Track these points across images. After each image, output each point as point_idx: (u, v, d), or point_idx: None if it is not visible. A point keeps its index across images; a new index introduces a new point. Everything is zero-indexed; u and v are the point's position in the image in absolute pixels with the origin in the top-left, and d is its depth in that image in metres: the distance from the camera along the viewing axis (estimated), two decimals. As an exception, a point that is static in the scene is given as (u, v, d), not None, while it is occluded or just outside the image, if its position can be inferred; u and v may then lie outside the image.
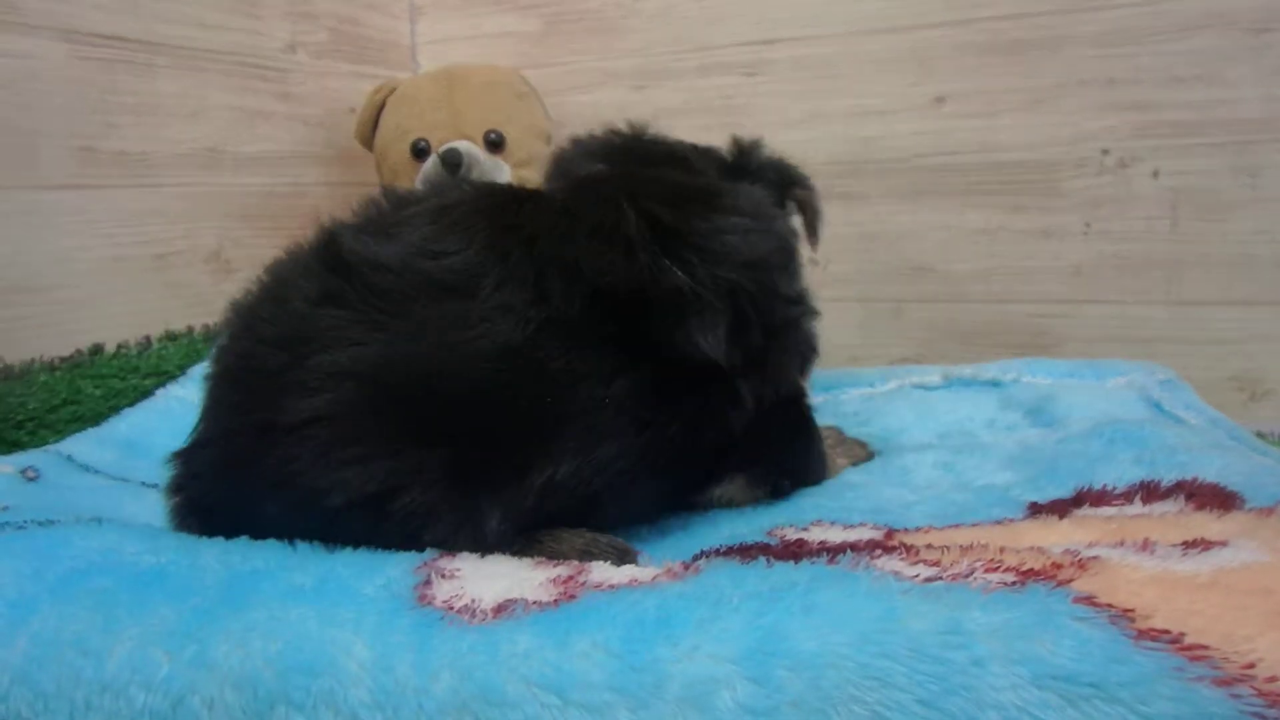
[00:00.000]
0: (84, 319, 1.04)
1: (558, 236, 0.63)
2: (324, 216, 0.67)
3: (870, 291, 1.30)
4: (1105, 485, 0.70)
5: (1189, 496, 0.66)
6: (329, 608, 0.49)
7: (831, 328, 1.29)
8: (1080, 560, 0.47)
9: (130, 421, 0.98)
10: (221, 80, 1.20)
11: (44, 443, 0.93)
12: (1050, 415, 0.91)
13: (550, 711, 0.42)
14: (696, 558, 0.56)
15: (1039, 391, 0.97)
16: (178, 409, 0.99)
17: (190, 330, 1.14)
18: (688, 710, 0.41)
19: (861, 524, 0.66)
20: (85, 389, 1.00)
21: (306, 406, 0.56)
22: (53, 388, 0.97)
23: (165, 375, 1.06)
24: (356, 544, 0.57)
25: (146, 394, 1.03)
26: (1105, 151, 1.17)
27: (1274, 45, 1.09)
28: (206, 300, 1.15)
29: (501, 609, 0.48)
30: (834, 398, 1.05)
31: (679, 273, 0.63)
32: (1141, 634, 0.39)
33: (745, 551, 0.58)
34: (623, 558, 0.59)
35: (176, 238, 1.15)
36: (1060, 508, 0.68)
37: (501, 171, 1.24)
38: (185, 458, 0.63)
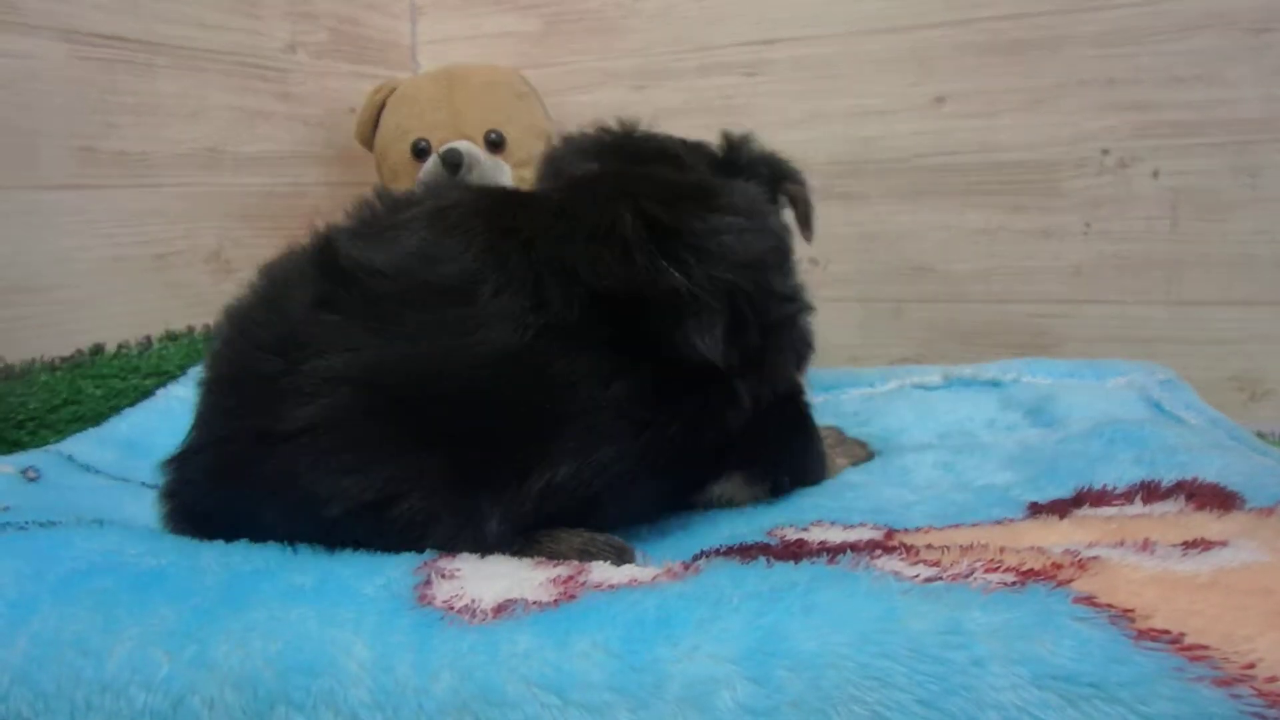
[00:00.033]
0: (84, 319, 1.04)
1: (555, 239, 0.63)
2: (323, 217, 0.67)
3: (870, 291, 1.30)
4: (1105, 485, 0.70)
5: (1189, 496, 0.66)
6: (329, 608, 0.49)
7: (831, 328, 1.29)
8: (1080, 560, 0.47)
9: (131, 421, 0.98)
10: (221, 80, 1.20)
11: (45, 443, 0.93)
12: (1050, 415, 0.91)
13: (550, 711, 0.42)
14: (696, 558, 0.56)
15: (1039, 391, 0.97)
16: (178, 409, 0.99)
17: (190, 330, 1.14)
18: (688, 710, 0.41)
19: (861, 524, 0.66)
20: (86, 389, 1.00)
21: (304, 414, 0.55)
22: (53, 388, 0.97)
23: (166, 375, 1.06)
24: (357, 548, 0.57)
25: (147, 394, 1.03)
26: (1105, 151, 1.17)
27: (1274, 45, 1.09)
28: (206, 300, 1.15)
29: (501, 609, 0.48)
30: (834, 398, 1.05)
31: (676, 274, 0.62)
32: (1141, 634, 0.39)
33: (745, 551, 0.58)
34: (621, 556, 0.59)
35: (176, 238, 1.15)
36: (1060, 508, 0.68)
37: (502, 171, 1.24)
38: (178, 464, 0.63)
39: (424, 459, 0.56)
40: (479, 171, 1.21)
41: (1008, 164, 1.22)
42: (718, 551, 0.60)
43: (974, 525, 0.65)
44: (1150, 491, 0.68)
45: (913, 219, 1.27)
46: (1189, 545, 0.51)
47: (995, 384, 1.02)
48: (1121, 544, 0.52)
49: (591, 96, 1.41)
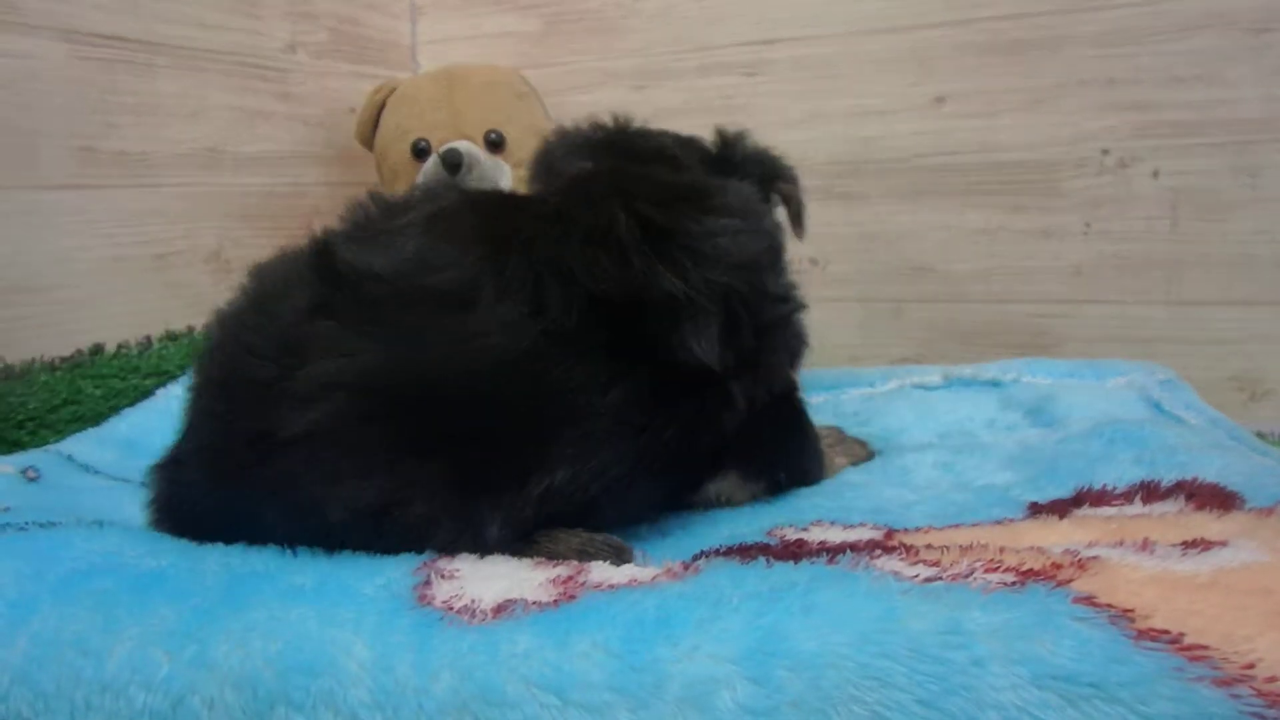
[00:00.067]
0: (84, 319, 1.04)
1: (552, 242, 0.63)
2: (323, 217, 0.66)
3: (870, 291, 1.30)
4: (1105, 485, 0.70)
5: (1189, 496, 0.66)
6: (329, 608, 0.49)
7: (831, 328, 1.30)
8: (1080, 560, 0.47)
9: (130, 421, 0.98)
10: (221, 80, 1.20)
11: (44, 443, 0.93)
12: (1050, 415, 0.91)
13: (550, 712, 0.42)
14: (696, 558, 0.56)
15: (1039, 391, 0.97)
16: (178, 409, 0.98)
17: (190, 330, 1.14)
18: (688, 710, 0.41)
19: (861, 524, 0.66)
20: (85, 389, 1.00)
21: (303, 420, 0.55)
22: (53, 388, 0.97)
23: (165, 375, 1.06)
24: (356, 550, 0.56)
25: (147, 394, 1.03)
26: (1105, 151, 1.17)
27: (1274, 45, 1.09)
28: (206, 300, 1.14)
29: (501, 609, 0.48)
30: (834, 398, 1.05)
31: (673, 278, 0.62)
32: (1141, 634, 0.39)
33: (745, 551, 0.58)
34: (619, 556, 0.59)
35: (176, 238, 1.15)
36: (1060, 508, 0.68)
37: (502, 172, 1.24)
38: (169, 469, 0.63)
39: (424, 465, 0.56)
40: (479, 171, 1.21)
41: (1008, 164, 1.22)
42: (717, 551, 0.60)
43: (974, 525, 0.65)
44: (1150, 491, 0.68)
45: (913, 219, 1.27)
46: (1189, 545, 0.51)
47: (995, 384, 1.02)
48: (1121, 544, 0.52)
49: (591, 96, 1.41)
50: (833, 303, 1.30)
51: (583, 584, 0.50)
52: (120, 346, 1.07)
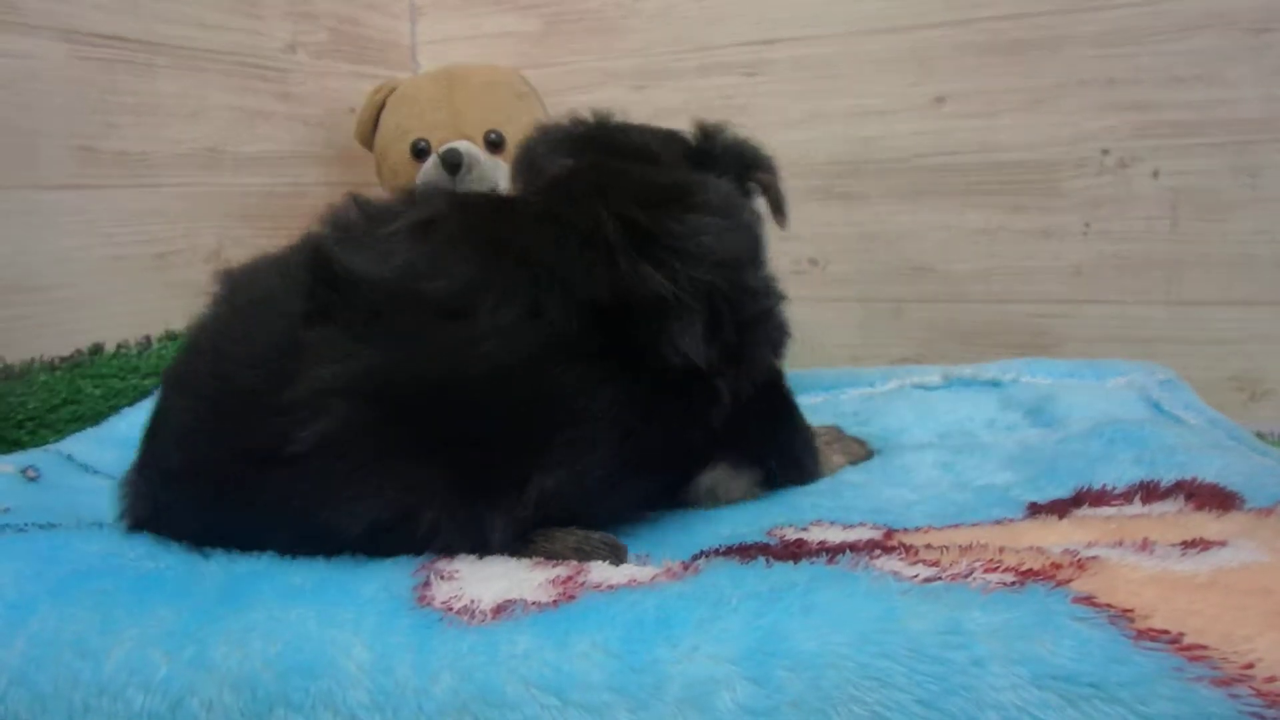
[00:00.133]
0: (84, 319, 1.04)
1: (543, 247, 0.63)
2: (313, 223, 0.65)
3: (870, 291, 1.30)
4: (1105, 485, 0.70)
5: (1189, 496, 0.66)
6: (328, 609, 0.49)
7: (831, 328, 1.30)
8: (1079, 560, 0.47)
9: (130, 421, 0.98)
10: (221, 80, 1.20)
11: (44, 442, 0.93)
12: (1050, 415, 0.91)
13: (550, 712, 0.42)
14: (696, 558, 0.56)
15: (1039, 391, 0.97)
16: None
17: (190, 330, 1.14)
18: (687, 711, 0.41)
19: (861, 524, 0.66)
20: (85, 389, 1.00)
21: (306, 433, 0.54)
22: (53, 387, 0.97)
23: (165, 375, 1.06)
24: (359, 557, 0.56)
25: (146, 394, 1.03)
26: (1105, 151, 1.17)
27: (1274, 45, 1.09)
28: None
29: (501, 610, 0.48)
30: (834, 397, 1.05)
31: (660, 278, 0.63)
32: (1141, 634, 0.39)
33: (744, 551, 0.58)
34: (616, 554, 0.59)
35: (176, 237, 1.15)
36: (1060, 508, 0.68)
37: (501, 172, 1.23)
38: (144, 487, 0.61)
39: (429, 471, 0.56)
40: (479, 172, 1.21)
41: (1008, 164, 1.22)
42: (717, 551, 0.60)
43: (974, 525, 0.65)
44: (1150, 491, 0.68)
45: (913, 219, 1.27)
46: (1188, 545, 0.51)
47: (995, 384, 1.02)
48: (1121, 544, 0.52)
49: (591, 96, 1.40)
50: (833, 303, 1.30)
51: (582, 584, 0.50)
52: (120, 346, 1.07)
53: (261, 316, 0.60)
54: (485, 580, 0.51)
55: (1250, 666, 0.37)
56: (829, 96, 1.29)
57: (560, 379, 0.60)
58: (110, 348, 1.05)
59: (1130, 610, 0.41)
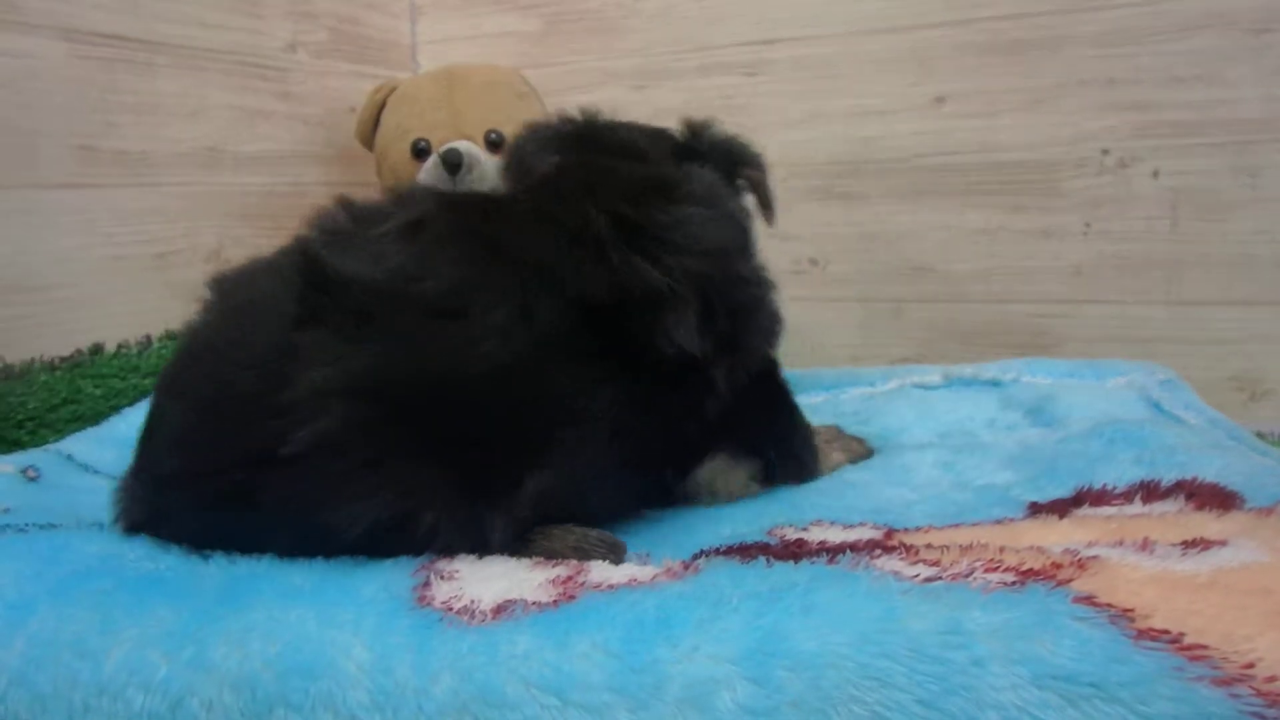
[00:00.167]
0: (84, 319, 1.04)
1: (533, 246, 0.63)
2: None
3: (870, 291, 1.30)
4: (1105, 485, 0.70)
5: (1189, 496, 0.66)
6: (328, 609, 0.49)
7: (831, 328, 1.30)
8: (1080, 560, 0.47)
9: (130, 421, 0.98)
10: (221, 80, 1.20)
11: (44, 442, 0.93)
12: (1050, 415, 0.91)
13: (550, 712, 0.42)
14: (696, 557, 0.56)
15: (1039, 391, 0.97)
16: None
17: (190, 330, 1.14)
18: (688, 711, 0.41)
19: (861, 524, 0.66)
20: (85, 388, 1.00)
21: (304, 434, 0.54)
22: (53, 387, 0.97)
23: (165, 375, 1.06)
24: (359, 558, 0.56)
25: (147, 394, 1.02)
26: (1105, 151, 1.17)
27: (1274, 45, 1.09)
28: (206, 300, 1.15)
29: (501, 610, 0.48)
30: (834, 397, 1.05)
31: (652, 269, 0.63)
32: (1141, 634, 0.39)
33: (745, 551, 0.58)
34: (614, 552, 0.59)
35: (176, 237, 1.15)
36: (1060, 507, 0.68)
37: (501, 171, 1.24)
38: (140, 491, 0.61)
39: (429, 472, 0.56)
40: (479, 171, 1.21)
41: (1008, 164, 1.22)
42: (717, 551, 0.60)
43: (974, 525, 0.65)
44: (1150, 491, 0.68)
45: (913, 219, 1.27)
46: (1188, 545, 0.51)
47: (995, 384, 1.02)
48: (1121, 544, 0.52)
49: (591, 96, 1.40)
50: (833, 303, 1.30)
51: (582, 584, 0.50)
52: (120, 346, 1.07)
53: (255, 320, 0.60)
54: (485, 580, 0.51)
55: (1251, 666, 0.37)
56: (829, 96, 1.29)
57: (555, 376, 0.60)
58: (110, 347, 1.05)
59: (1130, 610, 0.41)
